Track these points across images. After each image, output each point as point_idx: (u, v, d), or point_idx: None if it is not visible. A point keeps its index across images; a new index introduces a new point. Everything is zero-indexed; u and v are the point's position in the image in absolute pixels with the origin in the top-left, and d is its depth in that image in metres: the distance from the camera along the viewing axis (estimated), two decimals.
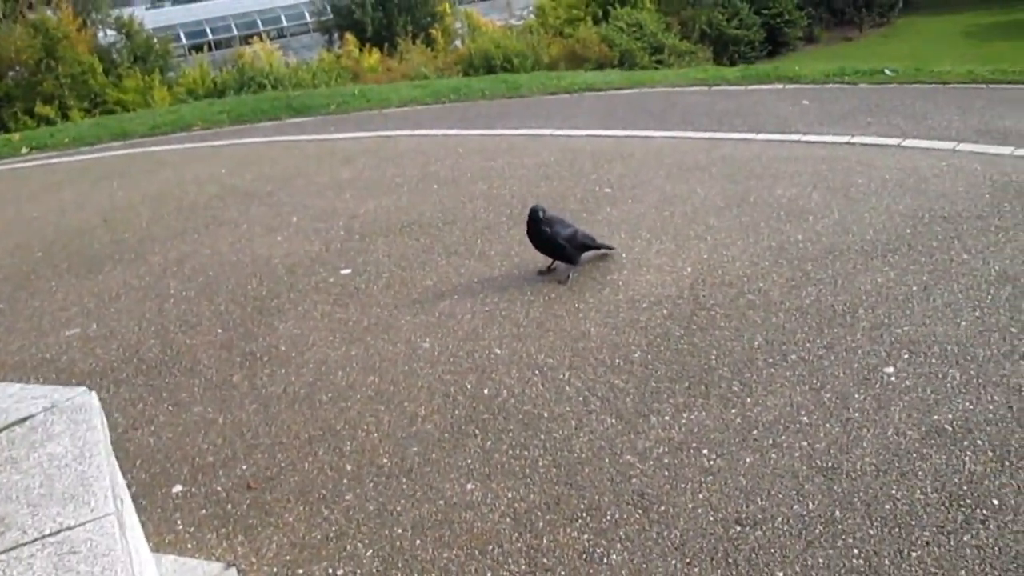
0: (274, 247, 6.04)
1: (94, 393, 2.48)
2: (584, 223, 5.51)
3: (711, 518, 2.89)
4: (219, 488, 3.41)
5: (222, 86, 25.75)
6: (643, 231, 5.35)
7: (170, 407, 4.06)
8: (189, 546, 3.11)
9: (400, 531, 3.03)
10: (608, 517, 2.95)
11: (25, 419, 2.34)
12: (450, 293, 4.86)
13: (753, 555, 2.70)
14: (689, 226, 5.35)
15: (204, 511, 3.28)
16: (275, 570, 2.93)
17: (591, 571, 2.74)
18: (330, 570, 2.90)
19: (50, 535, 1.90)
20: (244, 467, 3.52)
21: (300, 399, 3.96)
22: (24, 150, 12.80)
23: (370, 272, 5.31)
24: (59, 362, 4.65)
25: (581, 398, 3.64)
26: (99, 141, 12.55)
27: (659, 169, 6.64)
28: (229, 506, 3.29)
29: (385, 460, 3.42)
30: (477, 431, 3.53)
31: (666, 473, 3.12)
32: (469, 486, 3.20)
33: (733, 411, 3.42)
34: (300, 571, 2.91)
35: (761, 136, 7.31)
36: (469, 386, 3.86)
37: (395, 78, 23.36)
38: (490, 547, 2.90)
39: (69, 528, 1.90)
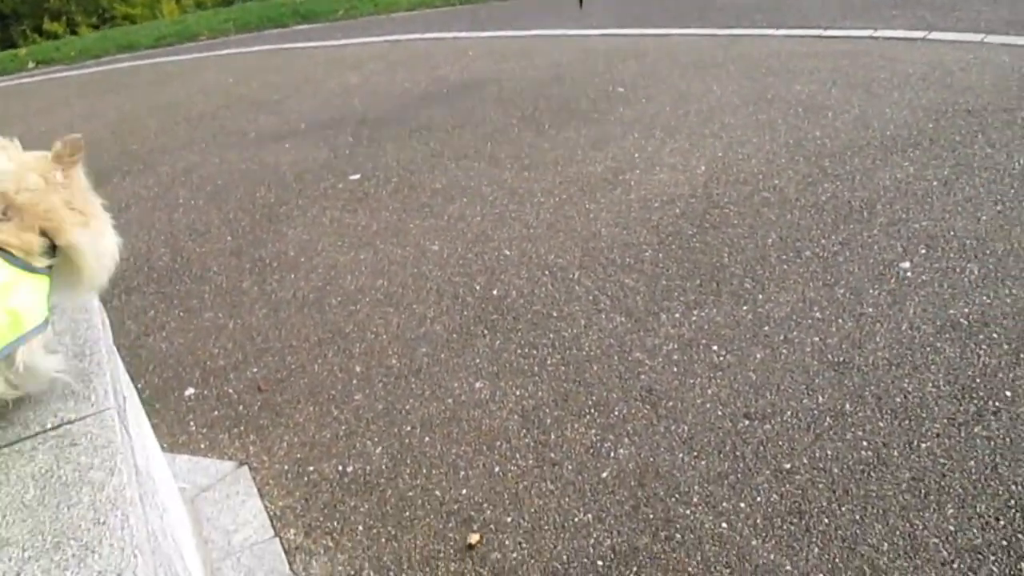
0: (282, 155, 5.97)
1: (96, 295, 2.45)
2: (595, 123, 5.40)
3: (719, 412, 2.87)
4: (230, 391, 3.43)
5: None
6: (656, 130, 5.22)
7: (181, 313, 4.07)
8: (202, 446, 3.14)
9: (409, 429, 3.04)
10: (616, 413, 2.94)
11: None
12: (459, 196, 4.79)
13: (761, 448, 2.69)
14: (704, 125, 5.21)
15: (216, 413, 3.31)
16: (286, 467, 2.97)
17: (598, 465, 2.74)
18: (340, 467, 2.92)
19: (51, 429, 1.90)
20: (255, 370, 3.53)
21: (309, 303, 3.95)
22: (30, 64, 12.65)
23: (379, 177, 5.24)
24: None
25: (591, 297, 3.60)
26: (106, 54, 12.38)
27: (674, 67, 6.45)
28: (240, 408, 3.31)
29: (394, 361, 3.42)
30: (486, 331, 3.51)
31: (675, 369, 3.10)
32: (477, 384, 3.20)
33: (744, 308, 3.37)
34: (311, 468, 2.94)
35: (781, 31, 7.05)
36: (478, 288, 3.83)
37: None
38: (498, 443, 2.91)
39: (70, 422, 1.90)
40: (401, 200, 4.86)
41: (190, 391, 3.47)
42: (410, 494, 2.77)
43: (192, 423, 3.27)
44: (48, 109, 9.00)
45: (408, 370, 3.35)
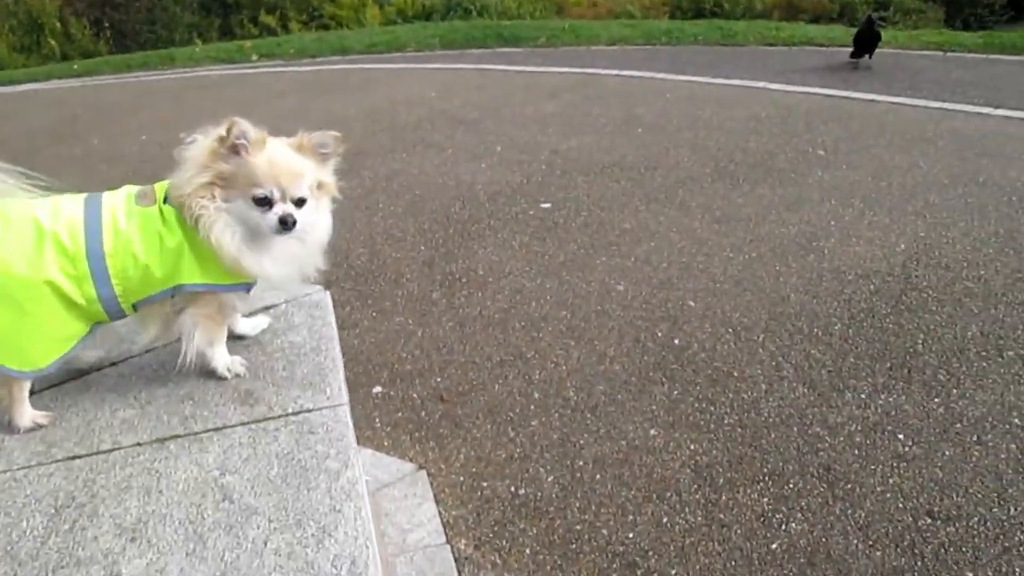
0: (478, 174, 6.22)
1: (328, 293, 2.69)
2: (792, 184, 5.36)
3: (900, 505, 2.81)
4: (415, 395, 3.63)
5: (430, 8, 26.31)
6: (856, 200, 5.12)
7: (374, 313, 4.33)
8: (385, 444, 3.34)
9: (581, 463, 3.13)
10: (791, 485, 2.93)
11: (269, 308, 2.58)
12: (647, 239, 4.86)
13: (943, 550, 2.61)
14: (907, 200, 5.07)
15: (400, 414, 3.51)
16: (461, 479, 3.12)
17: (768, 535, 2.74)
18: (512, 488, 3.05)
19: (292, 414, 2.11)
20: (438, 379, 3.72)
21: (494, 323, 4.12)
22: (254, 57, 13.69)
23: (569, 209, 5.39)
24: None
25: (774, 363, 3.59)
26: (320, 54, 13.24)
27: (880, 136, 6.29)
28: (423, 414, 3.50)
29: (572, 394, 3.52)
30: (664, 379, 3.56)
31: (856, 452, 3.05)
32: (652, 431, 3.26)
33: (936, 400, 3.27)
34: (484, 484, 3.08)
35: (999, 111, 6.75)
36: (660, 334, 3.88)
37: (600, 14, 23.01)
38: (668, 493, 2.95)
39: (308, 411, 2.11)
40: (589, 235, 4.98)
41: (377, 389, 3.69)
42: (578, 527, 2.85)
43: (377, 420, 3.48)
44: (264, 101, 9.71)
45: (585, 405, 3.44)
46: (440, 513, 2.97)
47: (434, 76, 10.33)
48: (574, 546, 2.78)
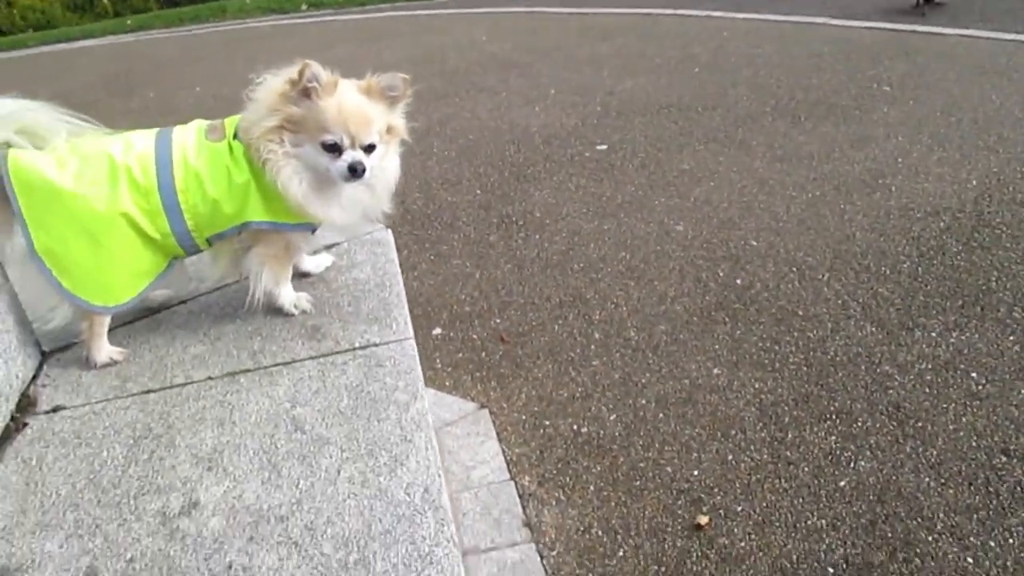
0: (532, 117, 6.14)
1: (390, 231, 2.68)
2: (856, 121, 5.19)
3: (973, 443, 2.74)
4: (474, 336, 3.64)
5: None
6: (924, 135, 4.94)
7: (432, 257, 4.33)
8: (447, 384, 3.36)
9: (643, 402, 3.11)
10: (859, 423, 2.88)
11: (331, 246, 2.58)
12: (706, 180, 4.76)
13: (1018, 488, 2.55)
14: (978, 135, 4.87)
15: (460, 355, 3.52)
16: (523, 418, 3.12)
17: (836, 473, 2.70)
18: (575, 426, 3.04)
19: (359, 348, 2.12)
20: (498, 320, 3.72)
21: (552, 265, 4.09)
22: (304, 7, 13.64)
23: (626, 150, 5.30)
24: None
25: (840, 301, 3.51)
26: (369, 1, 13.13)
27: (949, 70, 6.04)
28: (483, 354, 3.50)
29: (632, 334, 3.49)
30: (727, 319, 3.51)
31: (927, 390, 2.98)
32: (715, 371, 3.22)
33: (1011, 338, 3.17)
34: (547, 423, 3.08)
35: None
36: (721, 274, 3.82)
37: None
38: (732, 431, 2.92)
39: (375, 345, 2.12)
40: (647, 176, 4.89)
41: (437, 331, 3.70)
42: (641, 465, 2.84)
43: (438, 361, 3.50)
44: (315, 50, 9.69)
45: (646, 345, 3.41)
46: (503, 451, 2.98)
47: (485, 20, 10.19)
48: (638, 483, 2.77)
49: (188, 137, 2.19)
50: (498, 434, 3.07)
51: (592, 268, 4.02)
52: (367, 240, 2.62)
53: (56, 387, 2.18)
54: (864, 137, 5.01)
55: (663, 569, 2.49)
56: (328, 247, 2.61)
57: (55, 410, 2.10)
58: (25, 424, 2.06)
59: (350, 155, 2.08)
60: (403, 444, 1.78)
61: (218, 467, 1.82)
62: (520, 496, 2.79)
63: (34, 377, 2.25)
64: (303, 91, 2.05)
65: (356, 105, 2.09)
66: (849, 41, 7.09)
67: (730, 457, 2.83)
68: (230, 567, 1.58)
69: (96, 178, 2.05)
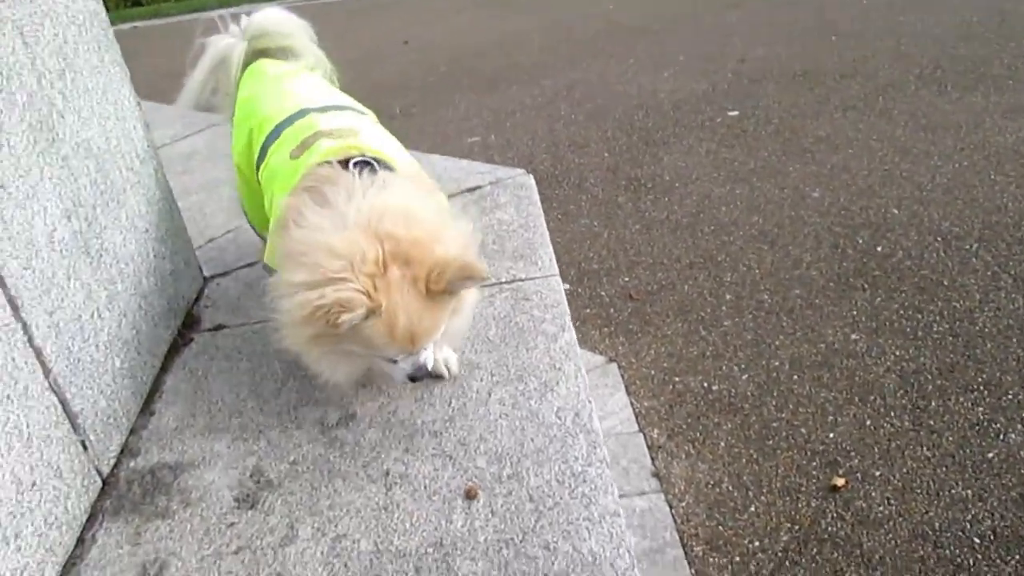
0: (660, 83, 6.06)
1: (531, 176, 2.70)
2: (1010, 91, 4.91)
3: None
4: (603, 293, 3.63)
5: None
6: None
7: (559, 215, 4.34)
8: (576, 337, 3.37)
9: (777, 364, 3.05)
10: (1010, 396, 2.74)
11: (475, 188, 2.62)
12: (844, 147, 4.60)
13: None
14: None
15: (588, 310, 3.53)
16: (652, 373, 3.11)
17: (983, 444, 2.58)
18: (705, 384, 3.01)
19: (505, 283, 2.15)
20: (626, 279, 3.70)
21: (682, 227, 4.04)
22: None
23: (758, 116, 5.17)
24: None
25: (990, 272, 3.34)
26: None
27: None
28: (612, 310, 3.50)
29: (766, 296, 3.42)
30: (866, 285, 3.39)
31: None
32: (853, 336, 3.12)
33: None
34: (676, 379, 3.06)
35: None
36: (861, 241, 3.69)
37: None
38: (872, 397, 2.83)
39: (521, 280, 2.14)
40: (781, 142, 4.76)
41: (565, 287, 3.69)
42: (774, 424, 2.79)
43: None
44: (441, 19, 9.80)
45: (780, 308, 3.34)
46: (632, 403, 2.98)
47: None
48: (771, 442, 2.73)
49: (291, 137, 1.91)
50: (627, 387, 3.07)
51: (723, 231, 3.95)
52: (509, 183, 2.65)
53: (217, 308, 2.30)
54: (1018, 107, 4.74)
55: (796, 527, 2.44)
56: (469, 190, 2.65)
57: (217, 328, 2.22)
58: (191, 340, 2.19)
59: (411, 362, 1.65)
60: (552, 371, 1.80)
61: (372, 386, 1.89)
62: (649, 448, 2.79)
63: (197, 298, 2.37)
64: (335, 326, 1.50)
65: (414, 320, 1.56)
66: (1002, 10, 6.69)
67: (868, 422, 2.74)
68: (387, 473, 1.63)
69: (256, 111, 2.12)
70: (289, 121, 1.95)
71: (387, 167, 1.73)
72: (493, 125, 5.75)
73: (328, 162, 1.71)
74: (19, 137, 1.63)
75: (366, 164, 1.69)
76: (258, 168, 2.00)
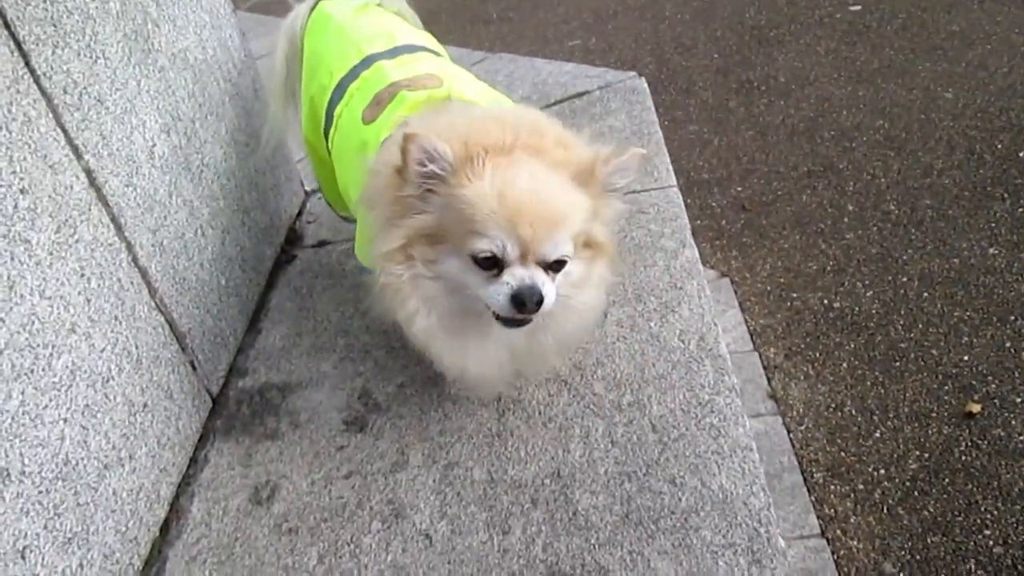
0: None
1: (643, 79, 2.52)
2: None
3: None
4: (713, 204, 3.45)
5: None
6: None
7: (667, 122, 4.11)
8: None
9: (905, 280, 2.84)
10: None
11: (583, 94, 2.47)
12: (981, 42, 4.19)
13: None
14: None
15: (699, 222, 3.35)
16: (768, 289, 2.94)
17: None
18: (825, 301, 2.83)
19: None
20: (739, 189, 3.50)
21: (799, 132, 3.78)
22: None
23: (884, 11, 4.76)
24: None
25: None
26: None
27: None
28: (723, 222, 3.32)
29: (892, 207, 3.18)
30: (1006, 195, 3.11)
31: None
32: (992, 250, 2.87)
33: None
34: (794, 295, 2.89)
35: None
36: (1000, 146, 3.38)
37: None
38: (1012, 317, 2.61)
39: (635, 191, 2.00)
40: (909, 39, 4.38)
41: None
42: (902, 345, 2.61)
43: None
44: None
45: (908, 219, 3.10)
46: (746, 320, 2.83)
47: None
48: (898, 364, 2.55)
49: (365, 88, 1.64)
50: (740, 304, 2.92)
51: (845, 137, 3.67)
52: (620, 88, 2.48)
53: (320, 224, 2.24)
54: None
55: (926, 456, 2.29)
56: (577, 95, 2.49)
57: (321, 244, 2.16)
58: (295, 256, 2.14)
59: (517, 275, 1.27)
60: (673, 291, 1.68)
61: None
62: (765, 368, 2.65)
63: (299, 213, 2.32)
64: (424, 179, 1.28)
65: (533, 191, 1.26)
66: None
67: (1008, 344, 2.53)
68: (499, 399, 1.56)
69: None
70: (354, 74, 1.66)
71: None
72: (594, 27, 5.49)
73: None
74: (114, 48, 1.57)
75: None
76: (327, 137, 1.71)
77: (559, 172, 1.28)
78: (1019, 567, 1.99)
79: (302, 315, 1.93)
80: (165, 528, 1.50)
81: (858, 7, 4.85)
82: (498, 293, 1.27)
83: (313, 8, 1.97)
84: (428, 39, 1.90)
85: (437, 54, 1.81)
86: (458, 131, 1.27)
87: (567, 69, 2.68)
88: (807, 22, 4.82)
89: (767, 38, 4.73)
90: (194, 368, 1.69)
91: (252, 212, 2.05)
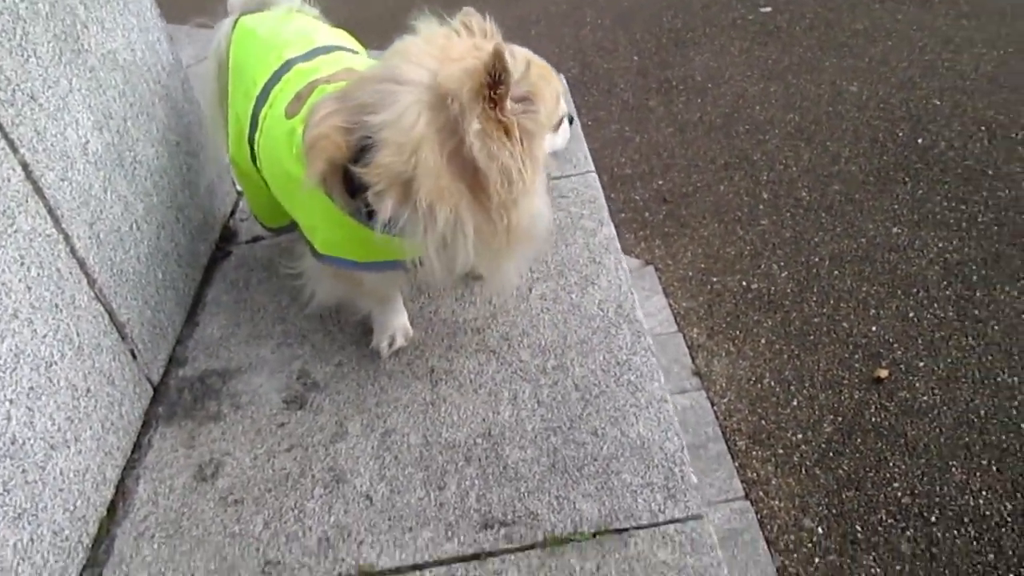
0: None
1: (562, 76, 2.63)
2: None
3: None
4: (636, 197, 3.59)
5: None
6: None
7: (589, 122, 4.26)
8: None
9: (817, 260, 3.01)
10: None
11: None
12: (883, 39, 4.44)
13: None
14: None
15: (623, 215, 3.49)
16: (690, 274, 3.09)
17: None
18: (743, 283, 2.98)
19: None
20: (660, 182, 3.65)
21: (716, 127, 3.96)
22: None
23: (792, 12, 4.99)
24: None
25: None
26: None
27: None
28: (646, 214, 3.46)
29: (804, 194, 3.36)
30: (907, 179, 3.31)
31: None
32: (895, 230, 3.07)
33: None
34: (714, 279, 3.03)
35: None
36: (901, 134, 3.59)
37: None
38: (915, 290, 2.79)
39: (556, 178, 2.11)
40: (816, 37, 4.60)
41: None
42: (815, 320, 2.77)
43: None
44: None
45: (819, 204, 3.28)
46: (670, 304, 2.97)
47: None
48: (812, 338, 2.71)
49: (283, 91, 1.68)
50: (664, 289, 3.05)
51: (758, 130, 3.86)
52: None
53: (252, 221, 2.29)
54: None
55: (840, 419, 2.44)
56: None
57: (255, 240, 2.22)
58: (230, 252, 2.19)
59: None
60: (592, 265, 1.79)
61: (412, 287, 1.88)
62: (689, 347, 2.79)
63: (232, 212, 2.37)
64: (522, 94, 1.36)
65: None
66: None
67: (911, 314, 2.71)
68: (432, 371, 1.64)
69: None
70: (275, 77, 1.73)
71: None
72: (518, 32, 5.61)
73: None
74: (45, 47, 1.62)
75: None
76: (252, 143, 1.74)
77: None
78: (924, 514, 2.15)
79: (239, 307, 1.99)
80: (112, 509, 1.54)
81: (768, 9, 5.07)
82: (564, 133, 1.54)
83: (235, 24, 2.02)
84: (345, 38, 1.97)
85: (354, 52, 1.88)
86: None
87: None
88: (721, 24, 5.02)
89: (684, 40, 4.91)
90: (134, 357, 1.74)
91: (186, 209, 2.10)
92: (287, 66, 1.73)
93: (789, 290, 2.92)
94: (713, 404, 2.58)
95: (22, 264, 1.43)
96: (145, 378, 1.78)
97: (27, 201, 1.47)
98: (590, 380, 1.52)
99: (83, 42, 1.77)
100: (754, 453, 2.42)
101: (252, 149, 1.75)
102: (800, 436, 2.43)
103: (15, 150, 1.47)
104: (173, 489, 1.55)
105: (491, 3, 5.37)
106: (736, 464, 2.40)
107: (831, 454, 2.37)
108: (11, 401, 1.33)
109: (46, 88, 1.59)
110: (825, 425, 2.44)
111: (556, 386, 1.53)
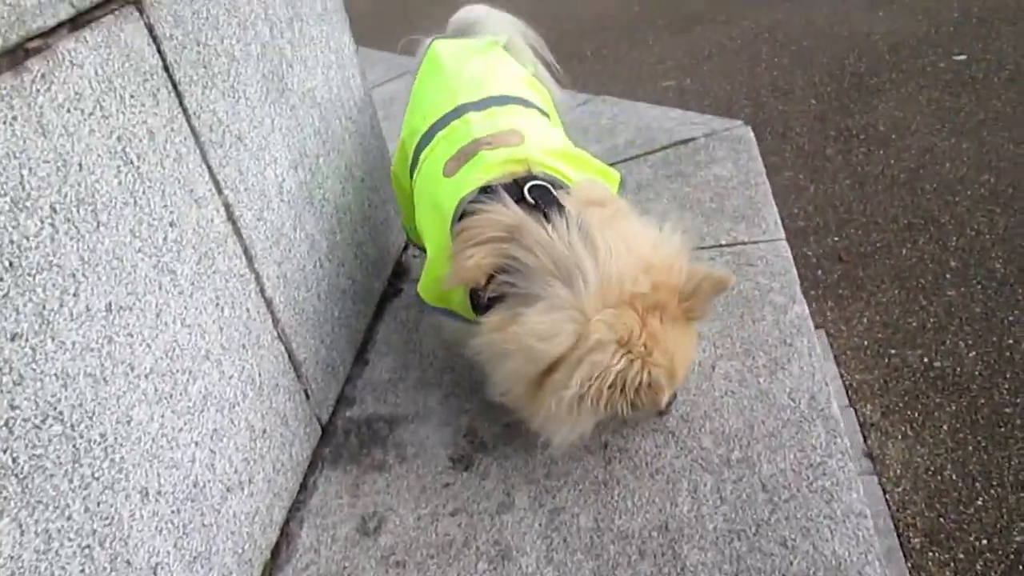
0: (875, 23, 5.58)
1: (750, 128, 2.53)
2: None
3: None
4: (808, 252, 3.41)
5: None
6: None
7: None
8: None
9: (1011, 342, 2.76)
10: None
11: (688, 140, 2.48)
12: None
13: None
14: None
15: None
16: (865, 343, 2.89)
17: None
18: (925, 359, 2.77)
19: (726, 245, 2.02)
20: (835, 239, 3.45)
21: (899, 183, 3.72)
22: None
23: (990, 61, 4.66)
24: None
25: None
26: None
27: None
28: (819, 272, 3.28)
29: (998, 265, 3.10)
30: None
31: None
32: None
33: None
34: (892, 351, 2.83)
35: None
36: None
37: None
38: None
39: (743, 243, 2.00)
40: (1017, 91, 4.27)
41: None
42: (1007, 410, 2.53)
43: None
44: None
45: (1015, 279, 3.01)
46: (842, 375, 2.79)
47: None
48: (1003, 430, 2.48)
49: (451, 138, 1.70)
50: (836, 357, 2.87)
51: (947, 190, 3.60)
52: (726, 136, 2.49)
53: (423, 257, 2.29)
54: None
55: None
56: (682, 142, 2.50)
57: None
58: (400, 289, 2.20)
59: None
60: (783, 347, 1.67)
61: None
62: (861, 425, 2.61)
63: (405, 248, 2.38)
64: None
65: (681, 358, 1.41)
66: None
67: None
68: (606, 446, 1.57)
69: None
70: (444, 121, 1.73)
71: (559, 184, 1.50)
72: (689, 68, 5.50)
73: (491, 189, 1.47)
74: (254, 88, 1.65)
75: (540, 189, 1.44)
76: (411, 175, 1.81)
77: (677, 314, 1.39)
78: None
79: (408, 348, 1.98)
80: (276, 552, 1.55)
81: (963, 56, 4.76)
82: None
83: (429, 46, 2.06)
84: (530, 87, 1.94)
85: (527, 103, 1.82)
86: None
87: (673, 115, 2.69)
88: (909, 71, 4.74)
89: (867, 86, 4.67)
90: (307, 396, 1.75)
91: (364, 245, 2.12)
92: (457, 112, 1.72)
93: (977, 372, 2.68)
94: (885, 492, 2.40)
95: (217, 305, 1.45)
96: (315, 418, 1.79)
97: (226, 242, 1.50)
98: (779, 481, 1.41)
99: (287, 81, 1.80)
100: (930, 554, 2.22)
101: (411, 179, 1.80)
102: (985, 542, 2.22)
103: (220, 191, 1.50)
104: (336, 539, 1.54)
105: (665, 34, 5.33)
106: (909, 564, 2.21)
107: (1021, 567, 2.14)
108: (196, 443, 1.35)
109: (252, 128, 1.63)
110: (1015, 533, 2.22)
111: (741, 482, 1.42)
